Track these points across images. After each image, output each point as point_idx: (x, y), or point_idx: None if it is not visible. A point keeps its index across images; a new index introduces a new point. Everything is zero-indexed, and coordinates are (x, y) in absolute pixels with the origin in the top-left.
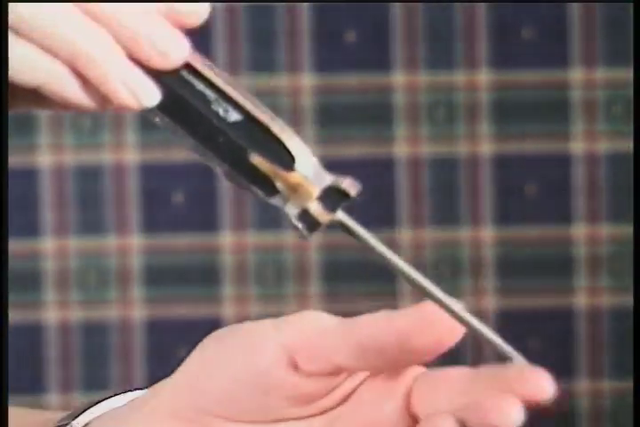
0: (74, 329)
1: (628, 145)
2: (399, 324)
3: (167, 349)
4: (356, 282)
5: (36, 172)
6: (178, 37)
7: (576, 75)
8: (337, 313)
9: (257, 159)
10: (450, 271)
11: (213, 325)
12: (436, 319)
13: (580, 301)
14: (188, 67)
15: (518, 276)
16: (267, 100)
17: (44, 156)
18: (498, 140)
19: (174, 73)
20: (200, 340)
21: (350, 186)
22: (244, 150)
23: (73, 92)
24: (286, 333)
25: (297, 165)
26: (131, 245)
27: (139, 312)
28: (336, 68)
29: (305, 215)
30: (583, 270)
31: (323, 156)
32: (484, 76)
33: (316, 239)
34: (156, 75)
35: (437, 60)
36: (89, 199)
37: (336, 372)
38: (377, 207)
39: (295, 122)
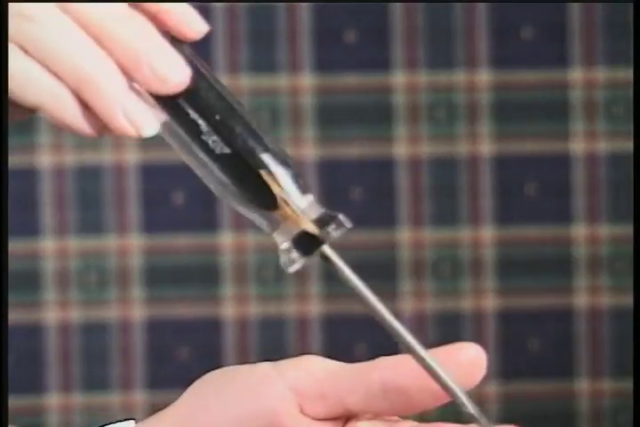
0: (74, 329)
1: (628, 145)
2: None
3: (167, 349)
4: None
5: (35, 172)
6: (179, 64)
7: (576, 75)
8: (337, 313)
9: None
10: (450, 271)
11: (213, 325)
12: (459, 360)
13: (580, 301)
14: (188, 93)
15: (518, 276)
16: (267, 100)
17: (44, 156)
18: (498, 140)
19: (172, 99)
20: (200, 340)
21: (342, 220)
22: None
23: (72, 116)
24: (292, 376)
25: (286, 198)
26: (131, 245)
27: (139, 312)
28: (336, 68)
29: (299, 242)
30: (583, 270)
31: (323, 156)
32: (484, 76)
33: None
34: (155, 100)
35: (437, 60)
36: (89, 199)
37: (342, 415)
38: (377, 207)
39: (295, 122)
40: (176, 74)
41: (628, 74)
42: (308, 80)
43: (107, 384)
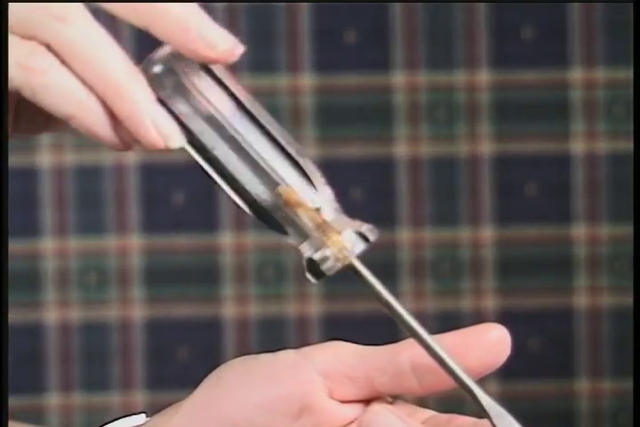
0: (74, 329)
1: (628, 145)
2: (453, 340)
3: (167, 349)
4: (356, 282)
5: (35, 172)
6: (226, 33)
7: (576, 75)
8: (337, 313)
9: (285, 188)
10: (450, 271)
11: (213, 325)
12: (486, 340)
13: (580, 301)
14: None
15: (518, 276)
16: (267, 100)
17: (44, 156)
18: (498, 140)
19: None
20: (200, 340)
21: (369, 232)
22: (271, 183)
23: (103, 127)
24: (319, 360)
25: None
26: (131, 245)
27: (139, 312)
28: (336, 68)
29: (315, 261)
30: (583, 270)
31: (323, 156)
32: (484, 76)
33: None
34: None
35: (437, 60)
36: (89, 199)
37: (371, 397)
38: (377, 207)
39: (295, 122)
40: (224, 40)
41: (628, 74)
42: (307, 80)
43: (107, 384)
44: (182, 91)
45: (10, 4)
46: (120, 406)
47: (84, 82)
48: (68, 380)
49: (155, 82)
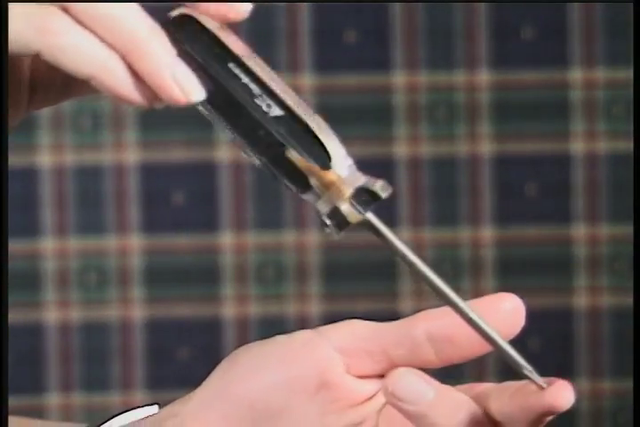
0: (74, 329)
1: (628, 145)
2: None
3: (167, 349)
4: (356, 282)
5: (36, 172)
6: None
7: (576, 75)
8: (337, 313)
9: (294, 155)
10: (450, 271)
11: (213, 325)
12: (500, 309)
13: (580, 301)
14: (236, 60)
15: (518, 276)
16: None
17: (44, 156)
18: (498, 140)
19: (222, 65)
20: (200, 340)
21: (382, 188)
22: (283, 145)
23: (125, 85)
24: (336, 337)
25: (332, 164)
26: (131, 245)
27: (139, 312)
28: (336, 68)
29: (335, 214)
30: (583, 270)
31: None
32: (484, 76)
33: (316, 240)
34: (204, 67)
35: (437, 60)
36: (89, 199)
37: (388, 371)
38: (377, 207)
39: None
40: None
41: (628, 74)
42: (307, 80)
43: (107, 384)
44: (204, 40)
45: None
46: (120, 406)
47: (103, 41)
48: (68, 380)
49: (175, 33)
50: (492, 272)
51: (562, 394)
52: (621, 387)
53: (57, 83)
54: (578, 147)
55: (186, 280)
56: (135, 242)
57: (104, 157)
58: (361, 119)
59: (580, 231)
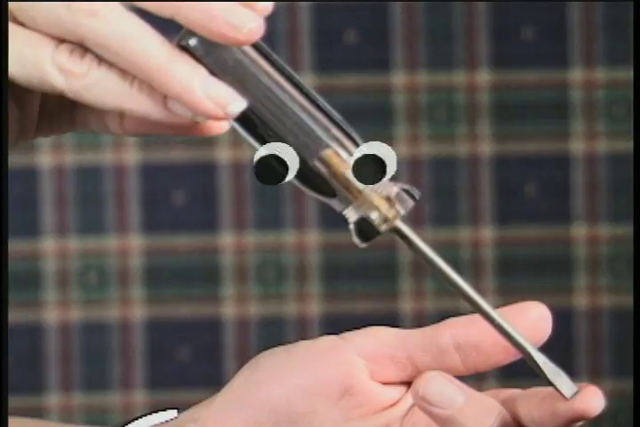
0: (74, 329)
1: (628, 145)
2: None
3: (167, 349)
4: (356, 282)
5: (36, 172)
6: (251, 13)
7: (576, 75)
8: (337, 313)
9: (329, 153)
10: None
11: (213, 325)
12: (528, 318)
13: (580, 301)
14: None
15: (518, 276)
16: None
17: (44, 156)
18: (498, 140)
19: (255, 77)
20: (200, 340)
21: (411, 194)
22: (313, 150)
23: (157, 111)
24: (360, 342)
25: None
26: (131, 245)
27: (139, 312)
28: (336, 68)
29: (364, 222)
30: (583, 270)
31: None
32: (484, 77)
33: (316, 240)
34: (238, 81)
35: (437, 60)
36: (89, 199)
37: (413, 378)
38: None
39: None
40: (249, 20)
41: (628, 74)
42: (308, 80)
43: (107, 384)
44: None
45: (37, 4)
46: (120, 406)
47: (125, 72)
48: (68, 380)
49: (198, 51)
50: (492, 272)
51: (592, 400)
52: (621, 387)
53: (65, 112)
54: (578, 147)
55: (186, 280)
56: (135, 242)
57: (104, 157)
58: (361, 119)
59: (579, 231)
